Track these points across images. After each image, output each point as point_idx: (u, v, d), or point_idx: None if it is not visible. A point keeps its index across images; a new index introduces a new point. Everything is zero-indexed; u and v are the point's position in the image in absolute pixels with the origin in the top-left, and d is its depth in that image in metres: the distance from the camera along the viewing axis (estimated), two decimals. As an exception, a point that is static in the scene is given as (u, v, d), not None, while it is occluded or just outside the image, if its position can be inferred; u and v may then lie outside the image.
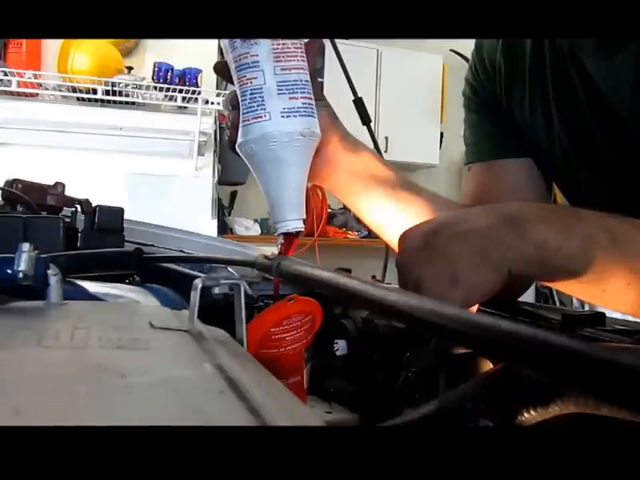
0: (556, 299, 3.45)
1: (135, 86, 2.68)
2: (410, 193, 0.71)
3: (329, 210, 3.77)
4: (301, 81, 0.55)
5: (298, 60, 0.55)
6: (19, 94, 2.61)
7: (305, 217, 0.55)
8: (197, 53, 2.80)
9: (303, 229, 0.55)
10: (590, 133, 0.68)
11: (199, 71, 2.81)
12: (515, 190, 0.78)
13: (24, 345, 0.28)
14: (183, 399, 0.22)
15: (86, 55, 2.65)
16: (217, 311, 0.38)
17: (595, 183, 0.71)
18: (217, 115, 2.84)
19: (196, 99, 2.71)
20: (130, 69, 2.79)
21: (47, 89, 2.66)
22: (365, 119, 0.83)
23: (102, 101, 2.65)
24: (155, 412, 0.21)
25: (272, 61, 0.54)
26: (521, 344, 0.21)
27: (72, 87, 2.63)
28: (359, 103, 0.83)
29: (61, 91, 2.65)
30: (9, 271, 0.36)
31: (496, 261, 0.46)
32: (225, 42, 0.56)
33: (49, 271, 0.37)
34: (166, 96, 2.74)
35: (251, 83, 0.54)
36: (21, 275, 0.36)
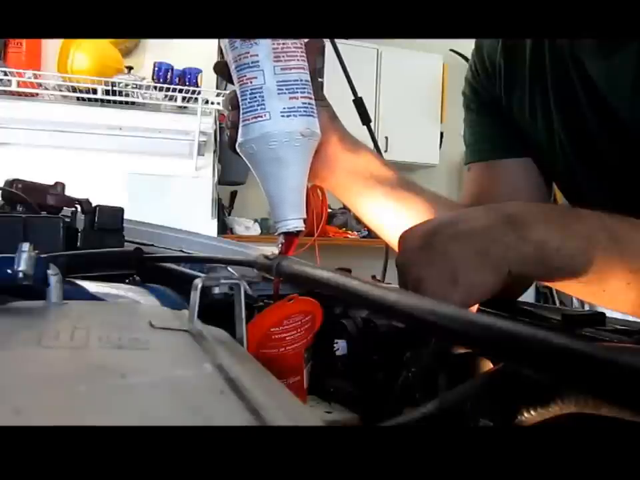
0: (556, 298, 3.45)
1: (135, 86, 2.67)
2: (410, 192, 0.71)
3: (329, 210, 3.77)
4: (301, 80, 0.55)
5: (298, 60, 0.55)
6: (19, 94, 2.61)
7: (305, 216, 0.55)
8: (197, 53, 2.80)
9: (303, 228, 0.55)
10: (590, 133, 0.68)
11: (199, 71, 2.81)
12: (515, 190, 0.78)
13: (24, 345, 0.28)
14: (182, 399, 0.22)
15: (86, 55, 2.65)
16: (216, 311, 0.38)
17: (595, 183, 0.71)
18: (216, 114, 2.83)
19: (196, 98, 2.71)
20: (130, 68, 2.79)
21: (46, 88, 2.66)
22: (365, 119, 0.83)
23: (102, 100, 2.65)
24: (155, 412, 0.21)
25: (272, 60, 0.54)
26: (520, 344, 0.21)
27: (72, 86, 2.63)
28: (359, 103, 0.83)
29: (61, 90, 2.65)
30: (9, 271, 0.36)
31: (496, 260, 0.46)
32: (225, 42, 0.56)
33: (49, 271, 0.37)
34: (166, 96, 2.74)
35: (250, 82, 0.54)
36: (20, 274, 0.36)
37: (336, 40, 0.79)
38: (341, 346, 0.58)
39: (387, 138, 4.21)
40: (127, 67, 2.79)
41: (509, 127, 0.78)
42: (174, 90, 2.72)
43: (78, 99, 2.71)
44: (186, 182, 2.81)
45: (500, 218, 0.48)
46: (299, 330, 0.53)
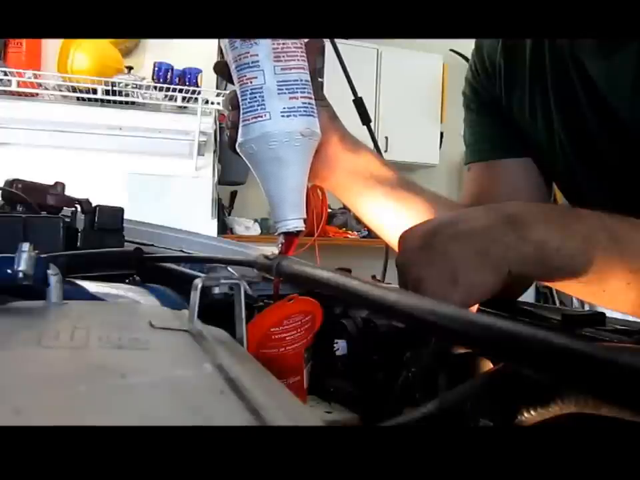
0: (556, 298, 3.45)
1: (135, 86, 2.67)
2: (410, 192, 0.71)
3: (329, 210, 3.77)
4: (301, 80, 0.55)
5: (298, 60, 0.55)
6: (19, 94, 2.61)
7: (305, 216, 0.55)
8: (197, 53, 2.80)
9: (303, 229, 0.55)
10: (590, 133, 0.68)
11: (199, 71, 2.81)
12: (515, 190, 0.78)
13: (24, 345, 0.28)
14: (183, 399, 0.22)
15: (86, 55, 2.65)
16: (216, 311, 0.38)
17: (595, 183, 0.71)
18: (216, 114, 2.83)
19: (196, 98, 2.71)
20: (130, 68, 2.79)
21: (46, 88, 2.66)
22: (365, 119, 0.83)
23: (102, 100, 2.65)
24: (155, 412, 0.21)
25: (272, 60, 0.54)
26: (520, 344, 0.21)
27: (72, 86, 2.63)
28: (359, 103, 0.83)
29: (61, 90, 2.65)
30: (9, 271, 0.36)
31: (496, 260, 0.46)
32: (225, 42, 0.56)
33: (49, 271, 0.37)
34: (166, 96, 2.74)
35: (251, 82, 0.54)
36: (20, 274, 0.36)
37: (336, 40, 0.79)
38: (340, 346, 0.58)
39: (386, 138, 4.21)
40: (127, 67, 2.79)
41: (508, 126, 0.78)
42: (174, 90, 2.72)
43: (78, 98, 2.71)
44: (186, 182, 2.81)
45: (500, 218, 0.48)
46: (299, 330, 0.53)
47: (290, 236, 0.54)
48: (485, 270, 0.46)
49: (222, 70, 0.59)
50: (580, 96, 0.67)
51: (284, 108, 0.53)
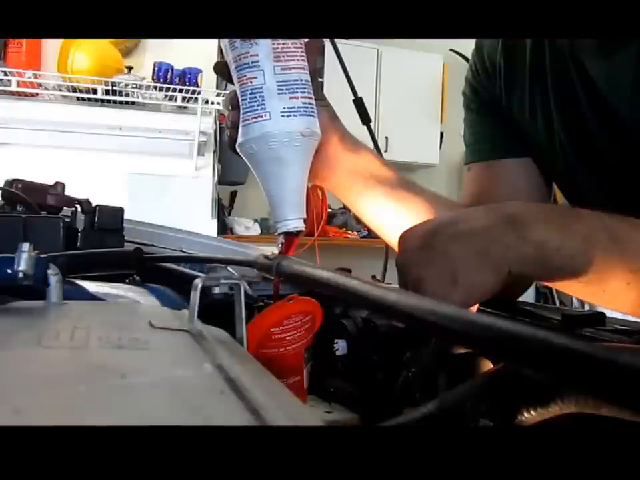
0: (556, 298, 3.45)
1: (134, 86, 2.67)
2: (410, 192, 0.71)
3: (329, 210, 3.77)
4: (301, 80, 0.55)
5: (298, 60, 0.55)
6: (19, 94, 2.61)
7: (305, 216, 0.55)
8: (197, 53, 2.80)
9: (303, 229, 0.55)
10: (590, 133, 0.68)
11: (199, 71, 2.81)
12: (515, 190, 0.78)
13: (24, 345, 0.28)
14: (183, 399, 0.22)
15: (86, 55, 2.65)
16: (216, 311, 0.38)
17: (595, 183, 0.71)
18: (216, 114, 2.83)
19: (196, 98, 2.71)
20: (130, 68, 2.79)
21: (46, 88, 2.66)
22: (365, 119, 0.83)
23: (102, 100, 2.65)
24: (155, 412, 0.21)
25: (272, 60, 0.54)
26: (520, 344, 0.21)
27: (72, 86, 2.63)
28: (359, 103, 0.83)
29: (61, 90, 2.65)
30: (9, 271, 0.36)
31: (496, 260, 0.46)
32: (225, 42, 0.56)
33: (49, 271, 0.37)
34: (166, 96, 2.74)
35: (251, 82, 0.54)
36: (20, 274, 0.36)
37: (336, 40, 0.79)
38: (340, 346, 0.58)
39: (386, 138, 4.21)
40: (127, 67, 2.79)
41: (508, 126, 0.78)
42: (174, 90, 2.72)
43: (78, 98, 2.71)
44: (186, 182, 2.81)
45: (500, 218, 0.48)
46: (299, 330, 0.53)
47: (290, 236, 0.54)
48: (484, 270, 0.46)
49: (222, 70, 0.59)
50: (580, 96, 0.67)
51: (284, 108, 0.53)
